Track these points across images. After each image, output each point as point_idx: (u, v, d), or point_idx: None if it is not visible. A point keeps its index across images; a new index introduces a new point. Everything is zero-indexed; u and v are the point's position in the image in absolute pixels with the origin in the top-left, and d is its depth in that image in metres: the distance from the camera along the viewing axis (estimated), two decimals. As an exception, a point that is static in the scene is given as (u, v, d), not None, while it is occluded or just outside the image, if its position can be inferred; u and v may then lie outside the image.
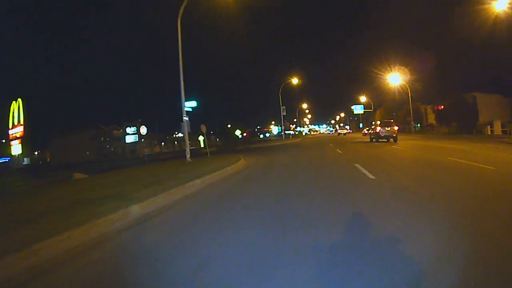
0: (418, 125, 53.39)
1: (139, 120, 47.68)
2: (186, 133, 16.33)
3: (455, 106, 39.71)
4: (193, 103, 16.34)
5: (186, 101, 16.30)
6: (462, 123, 39.80)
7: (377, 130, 24.40)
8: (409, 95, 45.81)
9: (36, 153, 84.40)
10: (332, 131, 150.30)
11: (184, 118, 16.17)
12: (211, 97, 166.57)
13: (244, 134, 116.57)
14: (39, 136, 76.79)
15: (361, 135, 43.22)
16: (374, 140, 24.79)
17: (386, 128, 23.71)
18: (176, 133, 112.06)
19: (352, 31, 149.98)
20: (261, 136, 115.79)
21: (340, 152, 15.89)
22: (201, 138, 44.27)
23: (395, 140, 22.70)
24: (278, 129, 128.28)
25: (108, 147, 73.13)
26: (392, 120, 28.69)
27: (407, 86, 45.65)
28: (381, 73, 48.08)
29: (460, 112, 39.06)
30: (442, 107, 44.96)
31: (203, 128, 19.98)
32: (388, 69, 48.55)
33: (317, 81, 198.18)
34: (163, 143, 76.98)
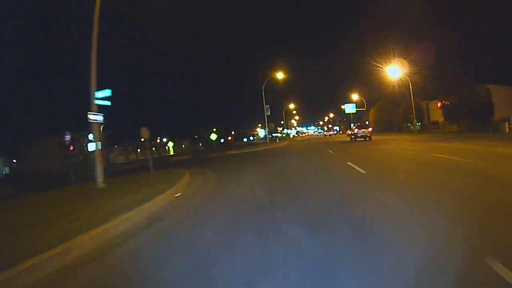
0: (419, 123, 47.84)
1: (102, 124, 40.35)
2: (97, 141, 9.77)
3: (466, 101, 34.15)
4: (107, 93, 9.79)
5: (97, 90, 9.71)
6: (475, 119, 34.23)
7: (355, 132, 29.98)
8: (411, 89, 40.18)
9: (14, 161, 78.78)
10: (321, 132, 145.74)
11: (94, 117, 9.57)
12: (195, 99, 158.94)
13: (229, 138, 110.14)
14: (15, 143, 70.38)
15: (346, 135, 44.08)
16: (353, 139, 29.68)
17: (362, 130, 29.73)
18: (159, 138, 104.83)
19: (344, 21, 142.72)
20: (245, 140, 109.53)
21: (361, 171, 8.38)
22: (170, 144, 37.86)
23: (370, 138, 28.02)
24: (265, 132, 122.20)
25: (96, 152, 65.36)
26: (367, 123, 37.27)
27: (408, 79, 40.04)
28: (379, 65, 42.29)
29: (473, 107, 33.49)
30: (448, 102, 39.55)
31: (145, 132, 13.50)
32: (385, 61, 42.92)
33: (305, 79, 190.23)
34: (139, 150, 69.79)
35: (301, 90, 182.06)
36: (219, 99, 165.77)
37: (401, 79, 43.60)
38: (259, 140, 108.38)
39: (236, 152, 25.19)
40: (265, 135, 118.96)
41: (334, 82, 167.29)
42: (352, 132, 31.34)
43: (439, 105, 41.23)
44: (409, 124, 51.63)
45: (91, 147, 46.12)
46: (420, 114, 46.67)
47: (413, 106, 40.22)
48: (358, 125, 33.04)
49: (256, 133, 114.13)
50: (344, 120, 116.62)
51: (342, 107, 75.58)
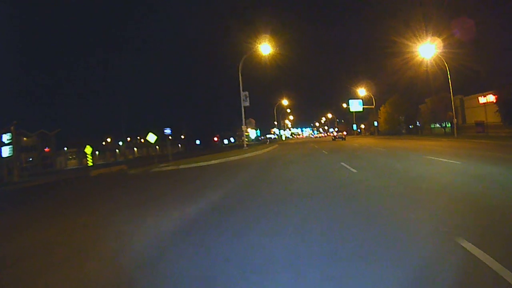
0: (448, 124, 36.67)
1: (15, 122, 28.15)
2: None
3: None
4: None
5: None
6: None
7: (334, 134, 50.11)
8: (449, 79, 28.92)
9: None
10: (316, 134, 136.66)
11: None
12: (181, 97, 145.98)
13: (215, 139, 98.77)
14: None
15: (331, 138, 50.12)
16: (333, 139, 43.85)
17: (339, 133, 46.98)
18: (138, 138, 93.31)
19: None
20: (226, 142, 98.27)
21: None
22: (89, 150, 26.23)
23: (344, 139, 42.39)
24: (257, 133, 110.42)
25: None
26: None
27: (443, 61, 28.78)
28: (406, 41, 30.98)
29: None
30: (496, 97, 28.59)
31: None
32: (408, 41, 31.78)
33: (302, 72, 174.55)
34: (97, 152, 57.86)
35: (296, 85, 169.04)
36: (208, 98, 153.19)
37: (428, 64, 32.66)
38: (250, 141, 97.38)
39: (169, 168, 13.49)
40: (257, 136, 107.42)
41: (337, 76, 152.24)
42: (332, 135, 49.74)
43: (489, 100, 30.27)
44: (432, 125, 40.55)
45: (5, 152, 33.29)
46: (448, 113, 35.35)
47: (452, 101, 29.01)
48: (337, 129, 54.26)
49: (246, 134, 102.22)
50: (342, 121, 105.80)
51: (344, 105, 64.63)
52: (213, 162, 14.44)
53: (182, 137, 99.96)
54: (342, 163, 10.68)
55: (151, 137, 17.82)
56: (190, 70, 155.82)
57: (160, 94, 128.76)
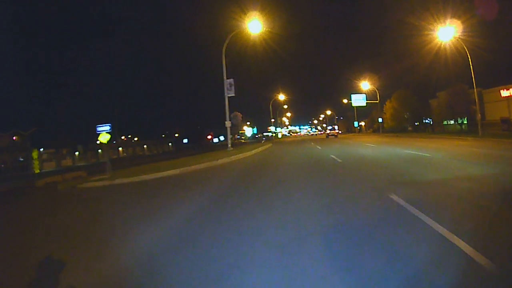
0: (465, 121, 32.68)
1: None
2: None
3: None
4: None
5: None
6: None
7: (328, 132, 54.98)
8: (471, 67, 24.73)
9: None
10: (313, 132, 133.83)
11: None
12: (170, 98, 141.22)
13: (208, 137, 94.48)
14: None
15: (325, 136, 53.59)
16: (327, 137, 45.23)
17: (332, 131, 53.59)
18: (130, 136, 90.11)
19: None
20: (216, 140, 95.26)
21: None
22: (35, 154, 22.19)
23: (337, 136, 46.10)
24: (253, 131, 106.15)
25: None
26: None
27: (466, 50, 24.63)
28: (421, 24, 26.89)
29: None
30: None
31: None
32: (426, 21, 27.73)
33: (301, 67, 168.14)
34: (77, 153, 53.34)
35: (295, 80, 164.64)
36: (199, 95, 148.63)
37: (447, 48, 28.52)
38: (246, 140, 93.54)
39: (100, 184, 9.28)
40: (254, 134, 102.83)
41: (338, 69, 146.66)
42: (326, 133, 56.47)
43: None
44: (445, 122, 36.52)
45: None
46: (468, 107, 31.19)
47: (476, 95, 24.71)
48: (330, 129, 67.48)
49: (242, 131, 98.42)
50: (341, 118, 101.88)
51: (345, 100, 60.61)
52: (164, 174, 10.17)
53: (176, 135, 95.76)
54: (395, 198, 4.86)
55: (104, 138, 13.64)
56: (183, 69, 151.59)
57: (153, 94, 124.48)
